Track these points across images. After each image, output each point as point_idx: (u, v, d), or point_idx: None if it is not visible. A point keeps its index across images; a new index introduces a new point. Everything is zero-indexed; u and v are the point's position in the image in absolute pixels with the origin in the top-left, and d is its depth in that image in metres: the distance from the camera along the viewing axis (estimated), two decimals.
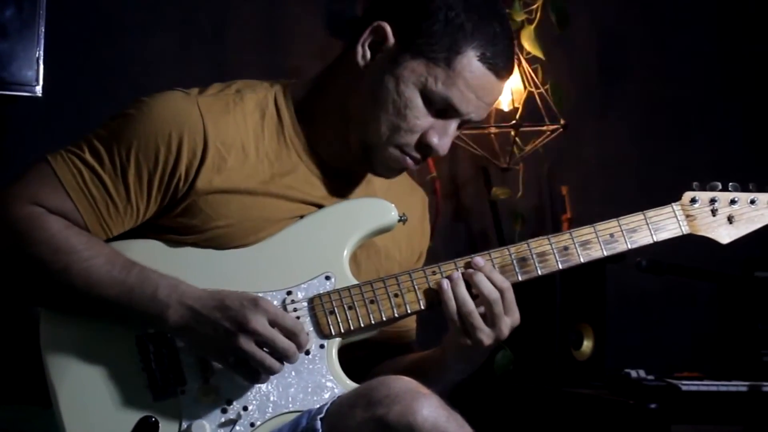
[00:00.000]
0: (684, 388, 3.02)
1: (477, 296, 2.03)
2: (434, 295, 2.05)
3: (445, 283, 2.02)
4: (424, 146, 2.05)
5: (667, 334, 3.83)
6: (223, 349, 1.95)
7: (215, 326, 1.94)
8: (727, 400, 3.05)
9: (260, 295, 1.99)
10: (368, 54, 2.04)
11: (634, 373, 3.10)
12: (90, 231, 2.00)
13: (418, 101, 2.01)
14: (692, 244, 2.97)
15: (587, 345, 3.36)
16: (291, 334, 1.96)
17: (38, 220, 1.97)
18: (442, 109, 2.03)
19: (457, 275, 2.02)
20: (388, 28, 2.03)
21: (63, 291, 1.97)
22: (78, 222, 1.99)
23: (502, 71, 2.03)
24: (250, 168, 2.04)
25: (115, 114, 2.03)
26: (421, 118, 2.02)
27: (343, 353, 2.07)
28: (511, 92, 3.51)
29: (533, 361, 3.37)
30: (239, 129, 2.04)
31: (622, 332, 3.64)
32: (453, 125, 2.05)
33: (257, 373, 1.96)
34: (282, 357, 1.96)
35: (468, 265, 2.05)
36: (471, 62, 2.00)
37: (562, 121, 3.49)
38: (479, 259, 2.04)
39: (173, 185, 2.00)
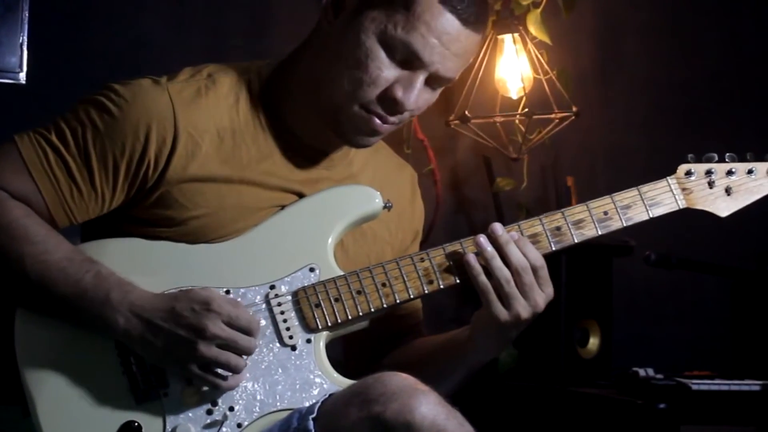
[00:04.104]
0: (694, 387, 2.97)
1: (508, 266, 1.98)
2: (423, 283, 2.01)
3: (472, 258, 1.98)
4: (389, 101, 1.97)
5: (677, 331, 3.79)
6: (182, 358, 1.90)
7: (170, 336, 1.89)
8: (740, 399, 2.99)
9: (242, 290, 1.97)
10: (331, 14, 1.99)
11: (642, 372, 3.04)
12: (52, 214, 1.96)
13: (379, 51, 1.94)
14: (702, 238, 2.95)
15: (593, 342, 3.30)
16: (248, 332, 1.91)
17: None
18: (405, 58, 1.95)
19: (491, 248, 1.97)
20: None
21: (15, 282, 1.93)
22: (40, 205, 1.95)
23: (468, 16, 1.95)
24: (225, 154, 2.00)
25: (84, 97, 2.01)
26: (384, 69, 1.95)
27: (347, 346, 2.09)
28: (521, 79, 3.45)
29: (537, 359, 3.31)
30: (212, 114, 2.00)
31: (630, 329, 3.59)
32: (419, 77, 1.97)
33: (220, 375, 1.92)
34: (244, 354, 1.92)
35: (454, 252, 2.01)
36: (431, 4, 1.93)
37: (574, 108, 3.43)
38: (514, 233, 2.00)
39: (141, 173, 1.96)
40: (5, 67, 2.92)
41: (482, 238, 1.99)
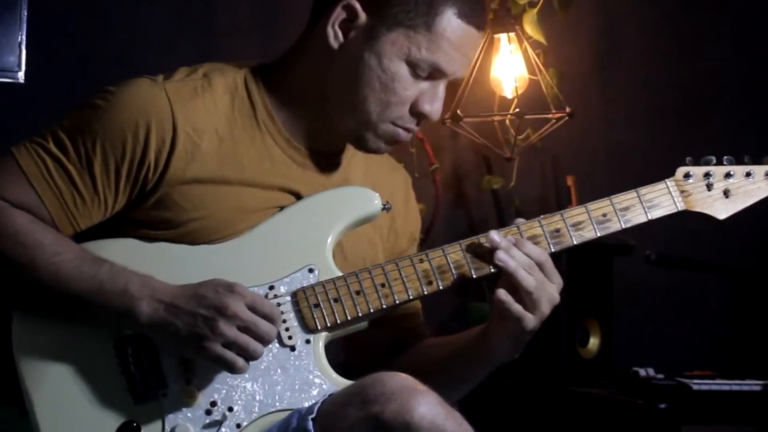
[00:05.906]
0: (695, 387, 2.97)
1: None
2: (422, 284, 2.01)
3: (506, 257, 1.97)
4: (417, 114, 2.02)
5: (678, 330, 3.76)
6: (202, 336, 1.88)
7: (193, 316, 1.88)
8: (741, 399, 3.00)
9: None
10: (340, 35, 2.00)
11: (643, 372, 3.04)
12: (56, 224, 1.94)
13: (405, 72, 1.98)
14: (703, 237, 2.93)
15: (594, 342, 3.29)
16: (269, 320, 1.91)
17: (2, 214, 1.92)
18: (429, 73, 2.00)
19: (513, 248, 1.98)
20: (357, 5, 1.98)
21: (29, 288, 1.91)
22: (44, 216, 1.94)
23: (481, 22, 2.02)
24: (224, 153, 1.99)
25: (80, 104, 1.99)
26: (409, 88, 1.99)
27: (349, 353, 2.12)
28: (514, 79, 3.45)
29: (537, 358, 3.26)
30: (210, 114, 1.99)
31: (631, 329, 3.58)
32: (441, 86, 2.02)
33: (238, 361, 1.90)
34: (264, 342, 1.91)
35: (454, 254, 2.01)
36: (451, 20, 1.98)
37: (568, 109, 3.42)
38: (511, 237, 2.00)
39: (142, 175, 1.95)
40: (4, 66, 2.92)
41: (502, 254, 1.97)
